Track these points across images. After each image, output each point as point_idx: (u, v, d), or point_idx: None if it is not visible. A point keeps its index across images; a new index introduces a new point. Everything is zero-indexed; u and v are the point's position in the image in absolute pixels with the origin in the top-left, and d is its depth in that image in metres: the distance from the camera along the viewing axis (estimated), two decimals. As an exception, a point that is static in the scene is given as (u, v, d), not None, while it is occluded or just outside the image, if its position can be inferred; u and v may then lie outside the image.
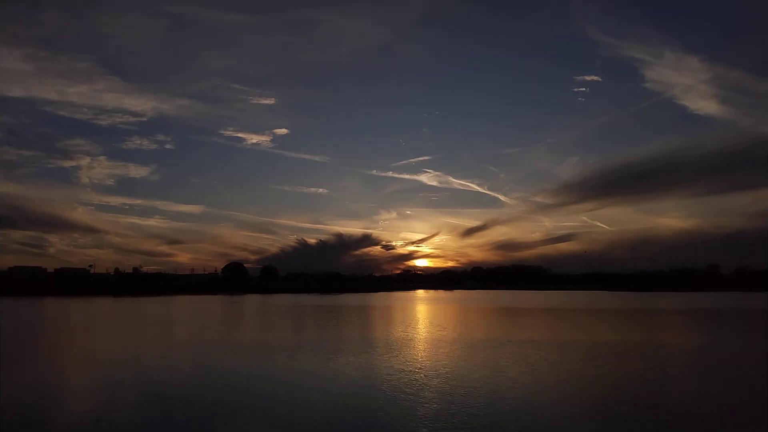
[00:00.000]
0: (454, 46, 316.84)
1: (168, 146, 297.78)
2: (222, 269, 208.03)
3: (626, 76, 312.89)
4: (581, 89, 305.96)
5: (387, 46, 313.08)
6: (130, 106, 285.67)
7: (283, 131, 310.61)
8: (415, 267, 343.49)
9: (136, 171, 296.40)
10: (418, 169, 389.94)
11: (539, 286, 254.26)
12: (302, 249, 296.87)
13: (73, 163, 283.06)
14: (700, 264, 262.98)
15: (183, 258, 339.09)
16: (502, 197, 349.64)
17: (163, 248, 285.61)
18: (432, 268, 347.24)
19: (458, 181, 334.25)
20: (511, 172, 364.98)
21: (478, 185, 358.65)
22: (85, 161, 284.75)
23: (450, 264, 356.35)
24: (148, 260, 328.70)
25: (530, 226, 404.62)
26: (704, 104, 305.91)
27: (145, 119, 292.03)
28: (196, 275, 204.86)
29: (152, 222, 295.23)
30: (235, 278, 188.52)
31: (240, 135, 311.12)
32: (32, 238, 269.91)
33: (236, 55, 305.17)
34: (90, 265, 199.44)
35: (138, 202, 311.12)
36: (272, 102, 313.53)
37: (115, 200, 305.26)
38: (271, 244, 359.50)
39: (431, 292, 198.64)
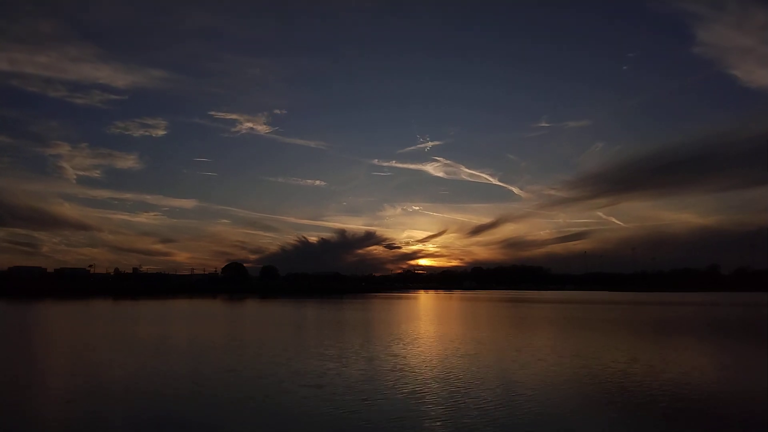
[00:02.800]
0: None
1: (154, 132, 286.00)
2: (222, 269, 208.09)
3: (677, 40, 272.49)
4: (629, 54, 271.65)
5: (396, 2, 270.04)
6: (107, 80, 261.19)
7: (279, 112, 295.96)
8: (417, 266, 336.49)
9: (123, 161, 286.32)
10: (427, 157, 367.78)
11: (539, 286, 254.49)
12: (303, 248, 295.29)
13: (52, 151, 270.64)
14: (706, 264, 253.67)
15: (182, 257, 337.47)
16: (516, 190, 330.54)
17: (160, 247, 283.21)
18: (435, 267, 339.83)
19: (469, 171, 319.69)
20: (529, 160, 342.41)
21: (490, 175, 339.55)
22: (65, 149, 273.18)
23: (454, 263, 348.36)
24: (147, 259, 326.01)
25: (542, 222, 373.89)
26: (760, 74, 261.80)
27: (126, 98, 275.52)
28: (195, 275, 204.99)
29: (143, 218, 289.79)
30: (235, 278, 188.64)
31: (232, 117, 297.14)
32: (22, 236, 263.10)
33: (219, 12, 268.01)
34: (90, 266, 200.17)
35: (127, 196, 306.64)
36: (266, 74, 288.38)
37: (102, 194, 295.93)
38: (271, 242, 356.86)
39: (431, 293, 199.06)
